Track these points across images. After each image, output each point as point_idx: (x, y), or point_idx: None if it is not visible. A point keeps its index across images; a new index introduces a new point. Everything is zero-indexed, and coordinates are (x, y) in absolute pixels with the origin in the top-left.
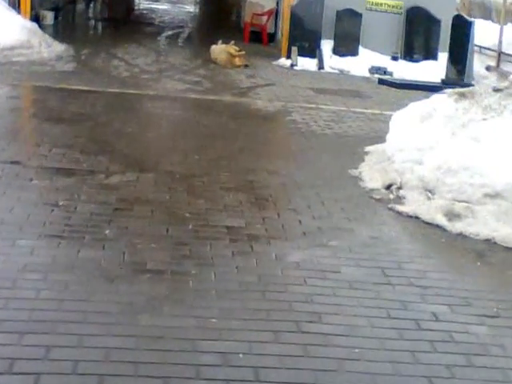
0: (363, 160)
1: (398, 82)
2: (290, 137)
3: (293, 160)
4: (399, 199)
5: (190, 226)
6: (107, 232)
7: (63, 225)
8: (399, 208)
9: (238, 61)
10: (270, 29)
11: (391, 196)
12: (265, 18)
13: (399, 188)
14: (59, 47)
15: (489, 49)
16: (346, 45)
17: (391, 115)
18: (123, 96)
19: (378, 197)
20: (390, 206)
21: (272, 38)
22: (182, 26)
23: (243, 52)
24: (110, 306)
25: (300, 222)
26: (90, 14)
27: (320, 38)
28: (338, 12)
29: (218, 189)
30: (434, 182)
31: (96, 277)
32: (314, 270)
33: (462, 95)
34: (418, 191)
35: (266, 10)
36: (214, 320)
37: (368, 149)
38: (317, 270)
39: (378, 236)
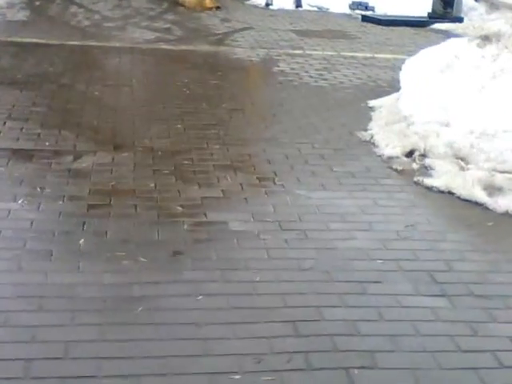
0: (370, 119)
1: (382, 18)
2: (282, 92)
3: (291, 123)
4: (426, 170)
5: (186, 226)
6: (81, 242)
7: (24, 233)
8: (428, 182)
9: (208, 2)
10: None
11: (415, 166)
12: None
13: (423, 155)
14: None
15: None
16: None
17: (384, 58)
18: (86, 50)
19: (399, 167)
20: (415, 179)
21: None
22: None
23: None
24: (96, 369)
25: (317, 209)
26: None
27: None
28: None
29: (210, 168)
30: (467, 149)
31: (73, 317)
32: (349, 281)
33: (486, 39)
34: (447, 160)
35: None
36: (237, 377)
37: (372, 103)
38: (353, 281)
39: (412, 223)
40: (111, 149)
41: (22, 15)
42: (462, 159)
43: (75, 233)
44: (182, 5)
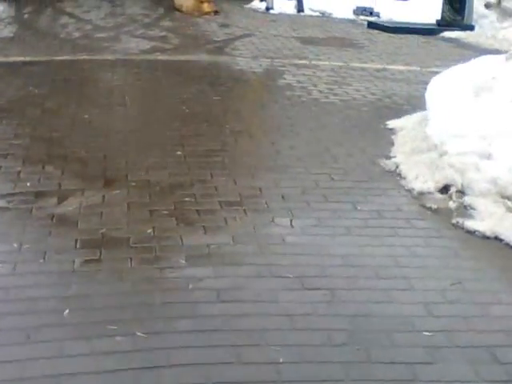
0: (392, 143)
1: (390, 25)
2: (291, 110)
3: (304, 147)
4: (465, 210)
5: (191, 285)
6: (66, 313)
7: None
8: (469, 224)
9: (206, 7)
10: None
11: (452, 204)
12: None
13: (461, 192)
14: None
15: None
16: None
17: (396, 70)
18: (75, 65)
19: (433, 206)
20: (454, 220)
21: None
22: None
23: None
24: None
25: (344, 260)
26: None
27: None
28: None
29: (217, 206)
30: None
31: None
32: (394, 362)
33: None
34: (491, 198)
35: None
36: None
37: (392, 125)
38: (398, 362)
39: (457, 279)
40: (101, 185)
41: (8, 31)
42: (509, 198)
43: (58, 300)
44: (179, 10)
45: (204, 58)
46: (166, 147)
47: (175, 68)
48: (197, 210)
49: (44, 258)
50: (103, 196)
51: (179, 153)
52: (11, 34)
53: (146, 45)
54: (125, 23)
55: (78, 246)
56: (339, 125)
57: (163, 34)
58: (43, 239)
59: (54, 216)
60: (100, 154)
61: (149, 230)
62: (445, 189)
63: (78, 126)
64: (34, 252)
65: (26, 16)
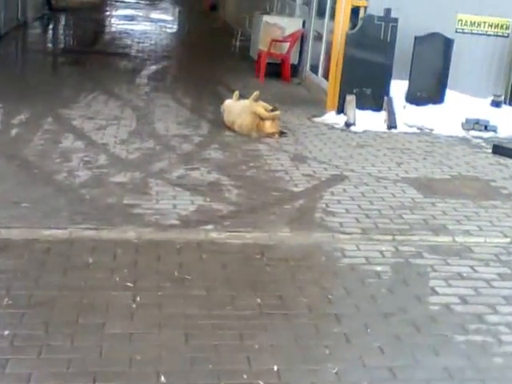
0: None
1: None
2: None
3: None
4: None
5: None
6: None
7: None
8: None
9: (269, 126)
10: (292, 59)
11: None
12: (287, 45)
13: None
14: None
15: None
16: (427, 87)
17: None
18: (73, 256)
19: None
20: None
21: (295, 70)
22: (167, 57)
23: (277, 112)
24: None
25: None
26: (47, 44)
27: (390, 79)
28: (416, 39)
29: None
30: None
31: None
32: None
33: None
34: None
35: (287, 33)
36: None
37: None
38: None
39: None
40: None
41: None
42: None
43: None
44: (230, 128)
45: (285, 238)
46: None
47: (241, 268)
48: None
49: None
50: None
51: None
52: None
53: (187, 204)
54: (155, 153)
55: None
56: None
57: (212, 177)
58: None
59: None
60: None
61: None
62: None
63: None
64: None
65: (13, 132)
